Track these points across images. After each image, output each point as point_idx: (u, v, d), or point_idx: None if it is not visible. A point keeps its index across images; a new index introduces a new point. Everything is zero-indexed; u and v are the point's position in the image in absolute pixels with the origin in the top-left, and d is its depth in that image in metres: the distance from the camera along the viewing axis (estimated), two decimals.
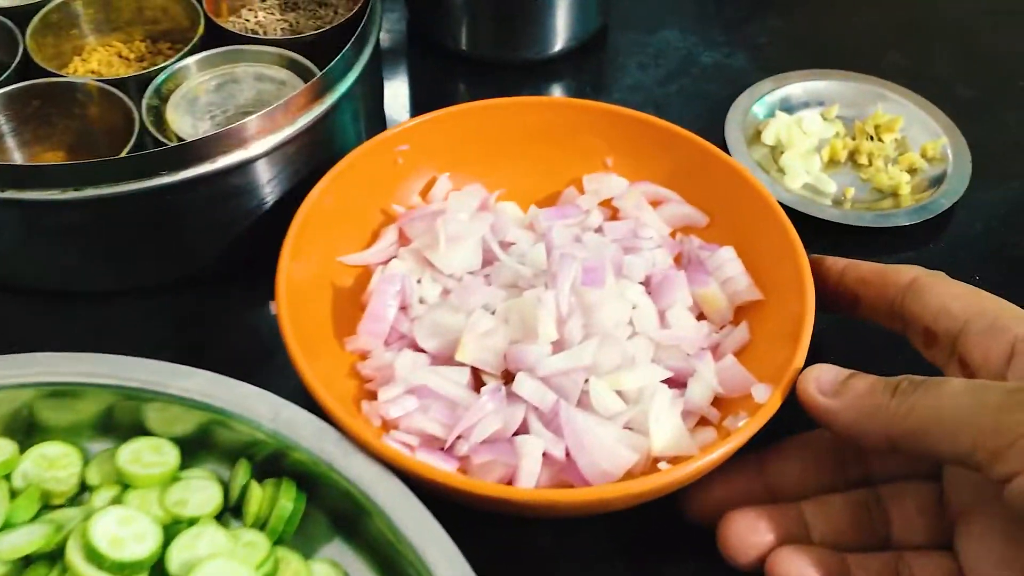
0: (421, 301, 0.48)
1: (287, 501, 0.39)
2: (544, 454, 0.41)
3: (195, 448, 0.42)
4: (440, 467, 0.41)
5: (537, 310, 0.43)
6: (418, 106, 0.66)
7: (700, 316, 0.48)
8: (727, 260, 0.48)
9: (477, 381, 0.45)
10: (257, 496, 0.40)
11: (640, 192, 0.52)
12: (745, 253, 0.48)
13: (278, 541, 0.39)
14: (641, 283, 0.48)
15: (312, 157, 0.51)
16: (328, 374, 0.44)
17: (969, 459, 0.33)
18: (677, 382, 0.44)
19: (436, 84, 0.68)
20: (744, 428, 0.39)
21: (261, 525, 0.39)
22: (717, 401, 0.44)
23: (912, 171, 0.59)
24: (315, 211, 0.48)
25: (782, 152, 0.60)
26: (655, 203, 0.52)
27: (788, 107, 0.63)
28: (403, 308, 0.47)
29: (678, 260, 0.51)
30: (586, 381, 0.43)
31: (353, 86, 0.52)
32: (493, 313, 0.46)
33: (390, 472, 0.38)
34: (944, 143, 0.60)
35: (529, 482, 0.40)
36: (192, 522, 0.39)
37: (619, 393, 0.43)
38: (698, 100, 0.65)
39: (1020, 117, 0.65)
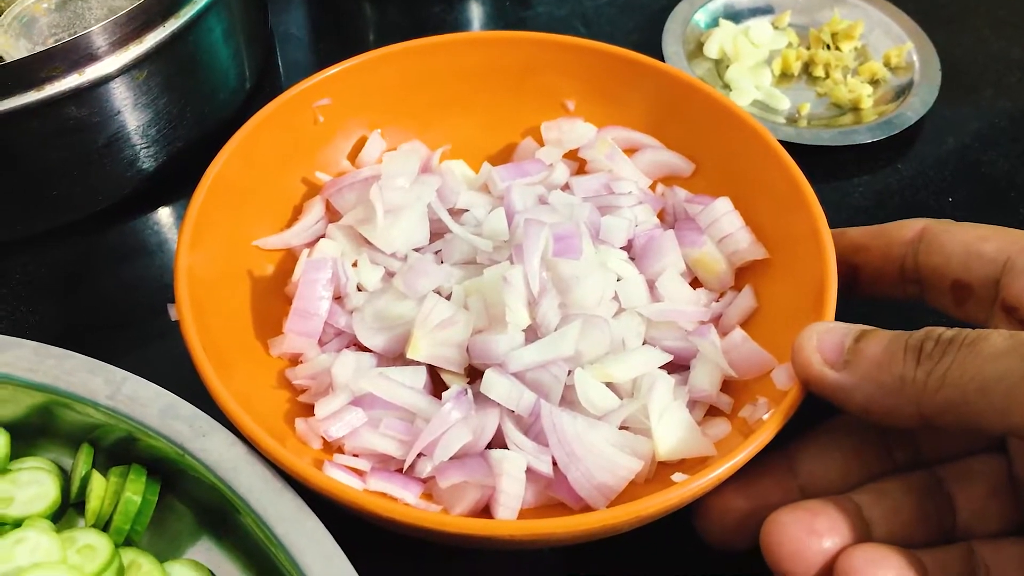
0: (359, 288, 0.39)
1: (133, 494, 0.33)
2: (527, 469, 0.33)
3: (34, 434, 0.35)
4: (399, 495, 0.33)
5: (502, 291, 0.35)
6: (314, 25, 0.58)
7: (694, 283, 0.41)
8: (723, 214, 0.40)
9: (436, 383, 0.37)
10: (98, 489, 0.33)
11: (611, 139, 0.44)
12: (742, 204, 0.41)
13: (127, 542, 0.33)
14: (622, 248, 0.40)
15: (175, 85, 0.44)
16: (249, 388, 0.35)
17: None
18: (677, 366, 0.37)
19: (331, 2, 0.59)
20: (770, 421, 0.32)
21: (105, 524, 0.33)
22: (727, 385, 0.37)
23: (874, 82, 0.53)
24: (219, 186, 0.39)
25: (728, 66, 0.54)
26: (629, 151, 0.44)
27: (733, 15, 0.56)
28: (338, 298, 0.39)
29: (661, 217, 0.43)
30: (569, 373, 0.35)
31: None
32: (449, 298, 0.37)
33: (256, 456, 0.31)
34: (909, 49, 0.53)
35: (512, 507, 0.33)
36: (18, 524, 0.32)
37: (610, 386, 0.36)
38: (632, 11, 0.58)
39: (993, 18, 0.59)
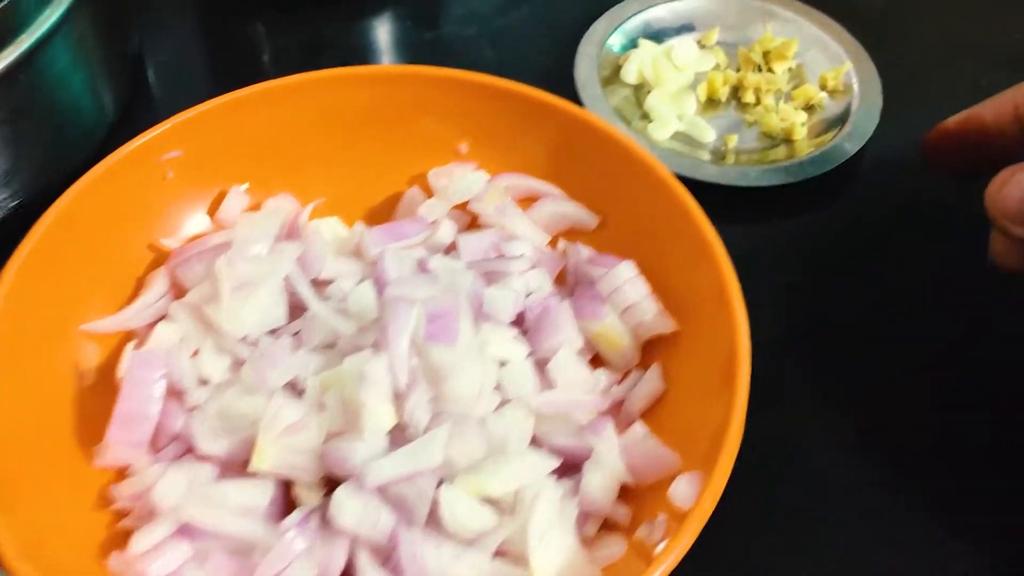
0: (203, 382, 0.34)
1: None
2: None
3: None
4: None
5: (358, 388, 0.30)
6: (197, 51, 0.52)
7: (595, 360, 0.35)
8: (626, 280, 0.35)
9: (288, 498, 0.31)
10: None
11: (504, 188, 0.38)
12: (651, 263, 0.35)
13: None
14: (512, 322, 0.34)
15: (2, 134, 0.38)
16: (51, 515, 0.30)
17: None
18: (567, 465, 0.32)
19: (216, 23, 0.53)
20: (666, 552, 0.26)
21: None
22: (625, 491, 0.31)
23: (809, 108, 0.47)
24: (37, 262, 0.33)
25: (648, 92, 0.47)
26: (528, 200, 0.39)
27: (655, 34, 0.49)
28: (177, 395, 0.33)
29: (562, 277, 0.37)
30: (441, 484, 0.30)
31: (66, 18, 0.38)
32: (303, 394, 0.32)
33: None
34: (848, 70, 0.48)
35: None
36: None
37: (487, 500, 0.30)
38: (547, 32, 0.52)
39: (937, 29, 0.53)
